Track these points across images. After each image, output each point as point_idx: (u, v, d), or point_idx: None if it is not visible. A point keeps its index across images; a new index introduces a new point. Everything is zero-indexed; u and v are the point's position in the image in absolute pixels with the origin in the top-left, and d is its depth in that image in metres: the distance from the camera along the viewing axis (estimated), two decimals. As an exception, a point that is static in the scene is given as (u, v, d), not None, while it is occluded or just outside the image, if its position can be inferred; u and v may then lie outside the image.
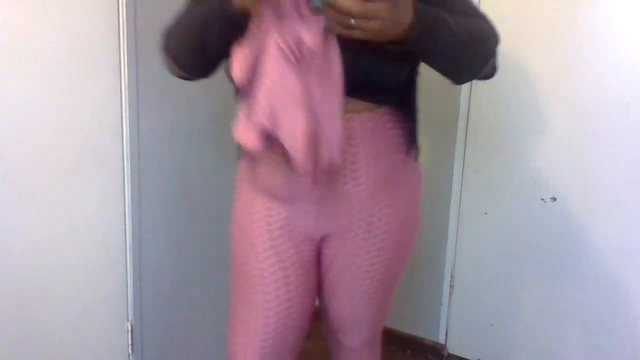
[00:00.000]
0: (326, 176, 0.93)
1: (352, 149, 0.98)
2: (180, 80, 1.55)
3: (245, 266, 1.09)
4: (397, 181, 1.07)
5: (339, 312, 1.18)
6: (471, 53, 0.93)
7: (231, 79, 0.91)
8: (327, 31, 0.81)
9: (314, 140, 0.86)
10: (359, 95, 0.96)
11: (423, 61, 0.96)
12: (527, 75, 1.65)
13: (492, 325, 1.85)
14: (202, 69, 1.02)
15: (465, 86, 1.74)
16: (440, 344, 1.96)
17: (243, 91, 0.88)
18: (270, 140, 0.87)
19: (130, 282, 1.42)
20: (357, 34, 0.79)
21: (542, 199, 1.68)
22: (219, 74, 1.59)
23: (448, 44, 0.88)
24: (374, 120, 1.00)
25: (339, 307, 1.17)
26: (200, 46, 0.94)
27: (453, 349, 1.95)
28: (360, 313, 1.17)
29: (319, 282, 1.16)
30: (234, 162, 1.21)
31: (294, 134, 0.84)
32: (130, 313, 1.43)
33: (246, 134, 0.87)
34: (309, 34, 0.81)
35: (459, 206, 1.84)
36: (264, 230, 1.04)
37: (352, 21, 0.77)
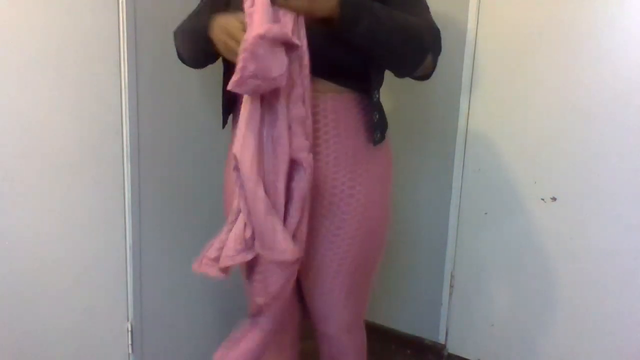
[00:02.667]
0: None
1: (315, 124, 1.05)
2: (180, 80, 1.57)
3: None
4: (360, 166, 1.11)
5: (311, 298, 1.20)
6: (402, 43, 1.00)
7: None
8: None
9: None
10: (325, 75, 1.04)
11: (357, 45, 1.01)
12: (526, 75, 1.65)
13: (492, 325, 1.85)
14: (200, 64, 1.22)
15: (465, 86, 1.75)
16: (440, 344, 1.96)
17: None
18: None
19: (130, 282, 1.42)
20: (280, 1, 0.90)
21: (542, 199, 1.68)
22: (219, 76, 1.59)
23: (373, 27, 0.96)
24: (338, 102, 1.07)
25: (311, 293, 1.20)
26: (193, 50, 1.15)
27: (453, 349, 1.95)
28: (331, 299, 1.18)
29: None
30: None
31: None
32: (130, 313, 1.43)
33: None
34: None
35: (459, 206, 1.84)
36: None
37: None
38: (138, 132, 1.37)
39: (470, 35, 1.72)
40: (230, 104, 1.16)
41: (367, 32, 0.96)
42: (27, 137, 1.15)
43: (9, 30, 1.09)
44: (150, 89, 1.40)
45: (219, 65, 1.60)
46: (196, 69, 1.26)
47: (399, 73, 1.10)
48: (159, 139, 1.45)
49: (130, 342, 1.44)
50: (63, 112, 1.21)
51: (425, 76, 1.14)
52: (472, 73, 1.74)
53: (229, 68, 1.10)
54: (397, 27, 0.99)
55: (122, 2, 1.29)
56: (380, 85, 1.15)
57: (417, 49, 1.03)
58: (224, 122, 1.18)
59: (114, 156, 1.34)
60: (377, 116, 1.11)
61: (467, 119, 1.77)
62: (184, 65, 1.51)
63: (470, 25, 1.71)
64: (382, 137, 1.14)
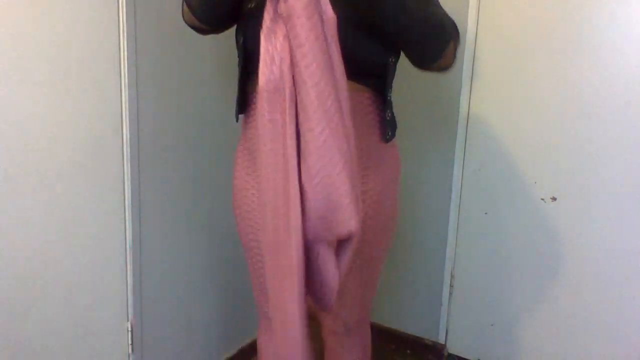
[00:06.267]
0: None
1: None
2: (180, 80, 1.56)
3: (244, 238, 1.17)
4: (373, 163, 1.11)
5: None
6: (425, 26, 1.00)
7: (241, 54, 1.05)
8: None
9: None
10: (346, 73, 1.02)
11: (382, 30, 1.00)
12: (527, 76, 1.65)
13: (492, 325, 1.85)
14: (210, 12, 1.08)
15: (465, 86, 1.75)
16: (440, 344, 1.96)
17: None
18: None
19: (130, 282, 1.42)
20: None
21: (542, 199, 1.68)
22: (219, 76, 1.59)
23: (397, 7, 0.95)
24: (354, 99, 1.06)
25: None
26: None
27: (453, 349, 1.95)
28: (341, 297, 1.18)
29: None
30: (232, 162, 1.21)
31: None
32: (130, 313, 1.43)
33: None
34: None
35: (459, 206, 1.84)
36: (255, 205, 1.08)
37: None
38: (138, 132, 1.37)
39: (470, 35, 1.72)
40: (243, 103, 1.14)
41: (392, 10, 0.95)
42: (26, 137, 1.15)
43: (9, 29, 1.09)
44: (150, 89, 1.40)
45: (219, 63, 1.61)
46: (205, 34, 1.16)
47: (423, 60, 1.07)
48: (159, 138, 1.45)
49: (130, 342, 1.44)
50: (63, 112, 1.21)
51: (445, 67, 1.11)
52: (472, 73, 1.74)
53: (245, 58, 1.10)
54: (425, 15, 0.99)
55: (122, 1, 1.29)
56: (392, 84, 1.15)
57: (440, 33, 1.03)
58: (237, 116, 1.17)
59: (114, 156, 1.34)
60: (390, 114, 1.12)
61: (467, 119, 1.77)
62: (185, 66, 1.52)
63: (470, 25, 1.71)
64: (393, 135, 1.15)
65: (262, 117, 0.92)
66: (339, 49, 0.91)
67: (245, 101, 1.14)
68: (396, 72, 1.12)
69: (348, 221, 0.91)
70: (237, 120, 1.18)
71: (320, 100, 0.88)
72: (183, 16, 1.12)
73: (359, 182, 0.98)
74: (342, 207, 0.91)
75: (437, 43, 1.03)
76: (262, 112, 0.92)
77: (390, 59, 1.09)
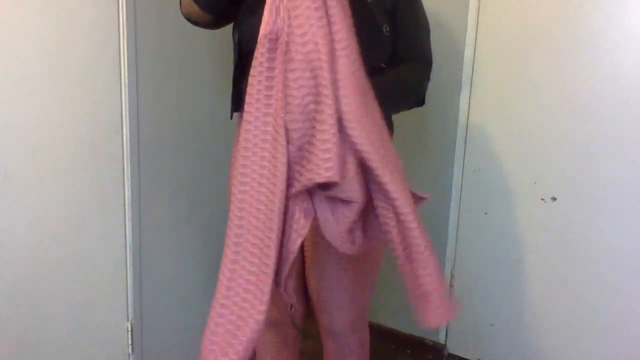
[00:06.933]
0: None
1: None
2: (180, 80, 1.56)
3: None
4: None
5: (318, 294, 1.20)
6: (400, 101, 1.16)
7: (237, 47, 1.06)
8: None
9: None
10: None
11: None
12: (526, 75, 1.65)
13: (492, 325, 1.85)
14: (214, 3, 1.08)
15: (465, 86, 1.75)
16: (440, 344, 1.96)
17: None
18: None
19: (130, 282, 1.42)
20: None
21: (542, 199, 1.68)
22: (219, 76, 1.59)
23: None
24: None
25: (318, 290, 1.20)
26: None
27: (453, 349, 1.95)
28: (338, 296, 1.19)
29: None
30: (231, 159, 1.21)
31: None
32: (130, 313, 1.43)
33: None
34: None
35: (459, 206, 1.84)
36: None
37: None
38: (138, 132, 1.37)
39: (470, 36, 1.72)
40: (238, 100, 1.15)
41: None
42: (27, 137, 1.15)
43: (9, 29, 1.09)
44: (150, 89, 1.40)
45: (219, 63, 1.60)
46: (208, 29, 1.18)
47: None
48: (159, 138, 1.45)
49: (130, 342, 1.44)
50: (63, 112, 1.21)
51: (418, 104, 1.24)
52: (472, 72, 1.74)
53: (241, 57, 1.10)
54: (392, 92, 1.10)
55: (122, 1, 1.29)
56: None
57: (411, 101, 1.19)
58: (232, 114, 1.18)
59: (113, 156, 1.34)
60: None
61: (467, 118, 1.77)
62: (185, 66, 1.52)
63: (470, 25, 1.71)
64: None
65: (260, 65, 0.93)
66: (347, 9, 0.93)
67: (240, 98, 1.13)
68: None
69: (324, 165, 0.91)
70: (231, 118, 1.18)
71: (307, 53, 0.89)
72: (181, 8, 1.12)
73: (381, 138, 0.99)
74: (321, 151, 0.91)
75: (409, 104, 1.20)
76: (260, 60, 0.93)
77: (381, 65, 1.09)
